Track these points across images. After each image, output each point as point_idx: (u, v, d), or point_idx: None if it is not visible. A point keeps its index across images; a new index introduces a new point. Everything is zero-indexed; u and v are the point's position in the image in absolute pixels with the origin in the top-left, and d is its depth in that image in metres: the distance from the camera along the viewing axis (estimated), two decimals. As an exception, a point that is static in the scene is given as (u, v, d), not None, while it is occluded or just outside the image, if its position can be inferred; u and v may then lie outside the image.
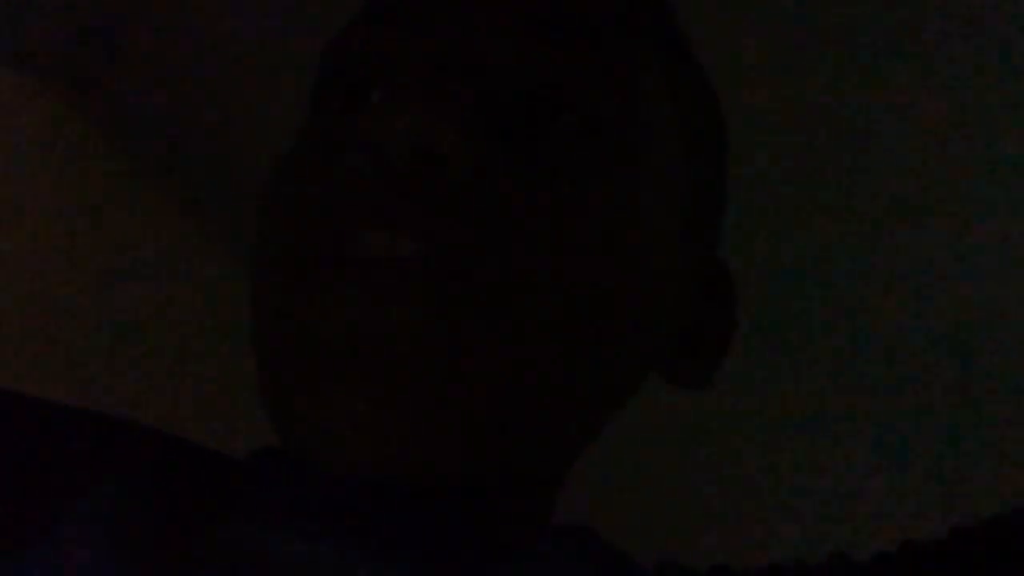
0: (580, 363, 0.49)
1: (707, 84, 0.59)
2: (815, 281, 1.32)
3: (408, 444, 0.45)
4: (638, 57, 0.53)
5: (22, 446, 0.52)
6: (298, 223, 0.49)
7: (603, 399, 0.52)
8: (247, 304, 0.52)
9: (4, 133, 1.01)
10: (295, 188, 0.50)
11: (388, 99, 0.49)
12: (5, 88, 1.01)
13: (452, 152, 0.47)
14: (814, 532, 1.43)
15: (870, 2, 1.06)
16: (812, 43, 1.09)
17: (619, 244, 0.50)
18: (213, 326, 1.02)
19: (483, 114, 0.49)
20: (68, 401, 0.58)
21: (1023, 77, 1.13)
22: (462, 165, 0.47)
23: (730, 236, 0.65)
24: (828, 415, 1.46)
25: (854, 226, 1.28)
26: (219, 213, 1.03)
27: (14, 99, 1.01)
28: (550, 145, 0.50)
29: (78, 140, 1.01)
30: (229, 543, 0.46)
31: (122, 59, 0.97)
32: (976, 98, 1.15)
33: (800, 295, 1.32)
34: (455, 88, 0.49)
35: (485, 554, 0.49)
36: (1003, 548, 0.52)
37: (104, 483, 0.48)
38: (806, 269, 1.31)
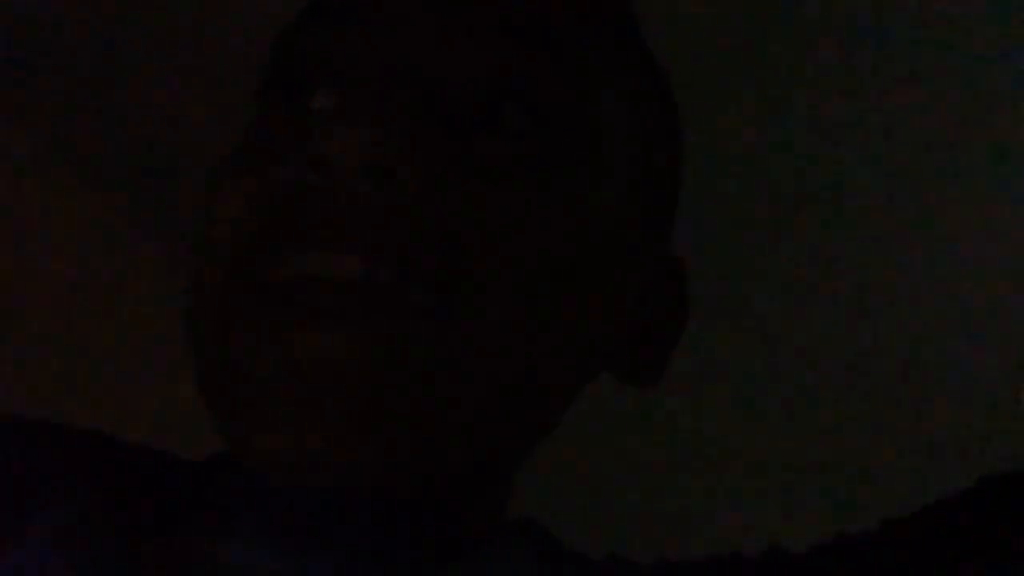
0: (531, 371, 0.48)
1: (663, 84, 0.58)
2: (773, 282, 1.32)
3: (356, 464, 0.45)
4: (589, 56, 0.52)
5: None
6: (240, 240, 0.48)
7: (553, 399, 0.52)
8: (184, 319, 0.52)
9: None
10: (236, 199, 0.49)
11: (334, 106, 0.49)
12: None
13: (401, 166, 0.46)
14: (765, 526, 1.43)
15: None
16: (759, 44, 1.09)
17: (573, 243, 0.49)
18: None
19: (432, 120, 0.48)
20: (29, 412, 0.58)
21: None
22: (411, 179, 0.46)
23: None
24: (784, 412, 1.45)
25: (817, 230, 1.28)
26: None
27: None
28: (500, 145, 0.49)
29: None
30: (185, 552, 0.47)
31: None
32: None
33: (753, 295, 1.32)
34: (402, 94, 0.48)
35: (432, 554, 0.49)
36: (933, 536, 0.52)
37: (63, 495, 0.49)
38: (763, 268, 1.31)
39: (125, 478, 0.51)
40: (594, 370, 0.54)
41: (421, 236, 0.46)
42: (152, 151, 1.03)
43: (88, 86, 1.00)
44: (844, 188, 1.29)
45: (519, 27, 0.50)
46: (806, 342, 1.38)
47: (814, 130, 1.23)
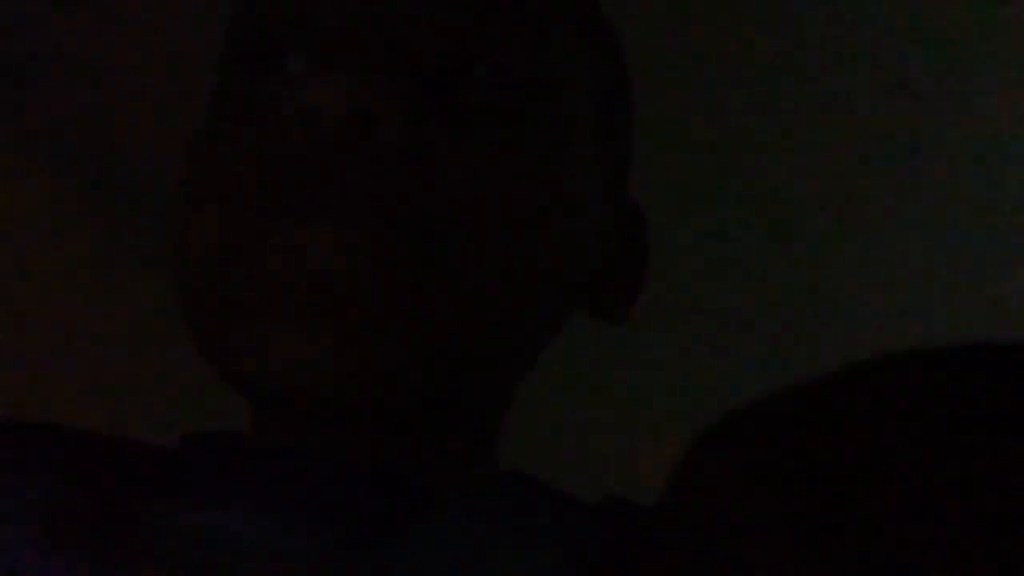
0: (512, 302, 0.51)
1: (615, 43, 0.61)
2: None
3: (360, 369, 0.48)
4: (549, 12, 0.55)
5: None
6: (228, 208, 0.50)
7: (534, 332, 0.54)
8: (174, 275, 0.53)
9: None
10: (223, 161, 0.51)
11: (311, 65, 0.51)
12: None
13: (386, 114, 0.48)
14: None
15: None
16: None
17: (545, 187, 0.52)
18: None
19: (407, 74, 0.51)
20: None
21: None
22: (396, 127, 0.48)
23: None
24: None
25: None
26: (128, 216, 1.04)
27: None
28: (472, 99, 0.51)
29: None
30: (157, 525, 0.47)
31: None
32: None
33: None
34: (378, 49, 0.50)
35: (414, 509, 0.50)
36: None
37: (26, 477, 0.49)
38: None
39: (90, 460, 0.51)
40: (568, 305, 0.56)
41: (407, 185, 0.49)
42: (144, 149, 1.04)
43: (81, 88, 1.01)
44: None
45: None
46: (781, 284, 1.37)
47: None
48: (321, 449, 0.52)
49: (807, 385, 0.30)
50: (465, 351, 0.50)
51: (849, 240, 1.32)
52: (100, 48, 0.99)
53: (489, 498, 0.53)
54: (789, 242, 1.29)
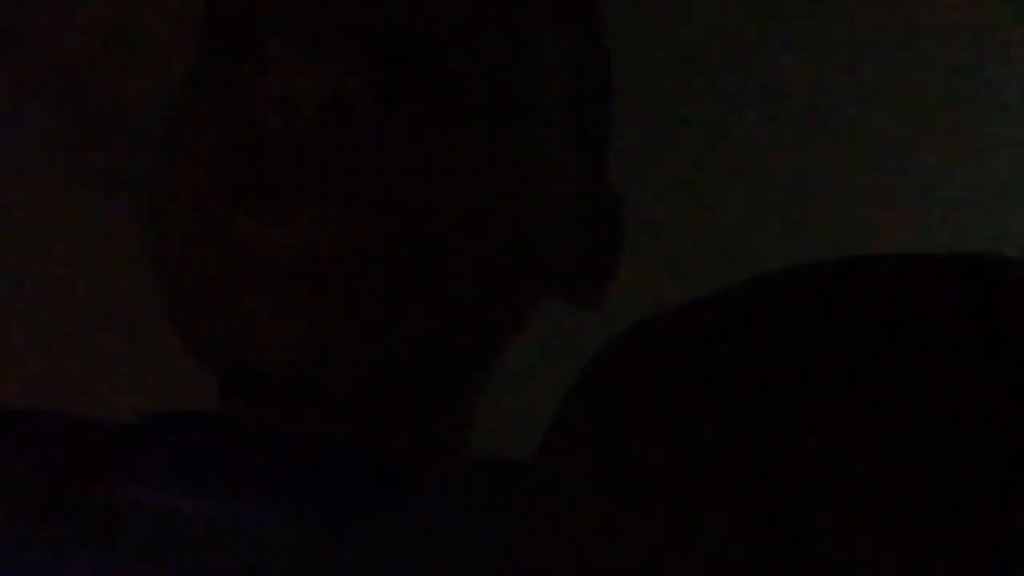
0: (489, 279, 0.52)
1: (593, 18, 0.61)
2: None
3: (340, 345, 0.49)
4: (525, 1, 0.55)
5: None
6: (207, 188, 0.51)
7: (508, 313, 0.55)
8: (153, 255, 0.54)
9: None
10: (198, 149, 0.51)
11: (288, 52, 0.51)
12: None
13: (363, 100, 0.48)
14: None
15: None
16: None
17: (519, 169, 0.53)
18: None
19: (383, 60, 0.51)
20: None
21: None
22: (373, 113, 0.49)
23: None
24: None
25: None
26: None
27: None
28: (447, 85, 0.52)
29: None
30: (108, 503, 0.47)
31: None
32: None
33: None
34: (354, 37, 0.51)
35: (381, 497, 0.51)
36: None
37: None
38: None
39: (49, 442, 0.52)
40: (541, 289, 0.57)
41: (384, 168, 0.49)
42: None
43: (87, 76, 1.02)
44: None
45: None
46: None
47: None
48: (295, 430, 0.52)
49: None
50: (441, 330, 0.51)
51: (853, 235, 1.32)
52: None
53: (465, 481, 0.53)
54: (781, 230, 1.29)
